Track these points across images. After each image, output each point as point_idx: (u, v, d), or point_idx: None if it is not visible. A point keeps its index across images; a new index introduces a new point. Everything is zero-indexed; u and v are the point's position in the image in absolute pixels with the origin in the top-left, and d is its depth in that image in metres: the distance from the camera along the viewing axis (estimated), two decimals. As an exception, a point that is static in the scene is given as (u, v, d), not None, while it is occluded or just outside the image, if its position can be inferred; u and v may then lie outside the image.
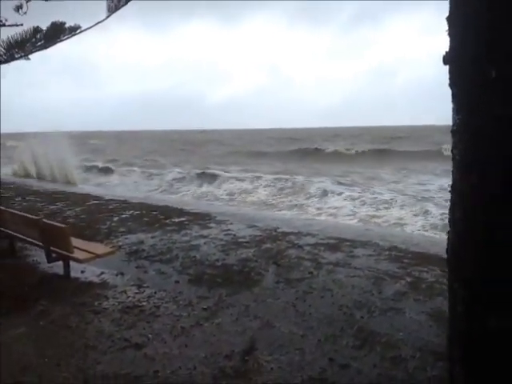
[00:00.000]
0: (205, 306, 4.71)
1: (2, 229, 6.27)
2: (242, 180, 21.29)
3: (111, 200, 12.19)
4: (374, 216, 12.76)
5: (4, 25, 10.59)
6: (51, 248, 5.37)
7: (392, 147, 40.47)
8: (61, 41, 10.73)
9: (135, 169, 28.07)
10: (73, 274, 5.69)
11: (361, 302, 4.77)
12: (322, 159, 34.26)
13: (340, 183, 19.11)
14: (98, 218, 9.64)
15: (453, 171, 2.15)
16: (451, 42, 2.07)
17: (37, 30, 10.16)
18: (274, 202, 16.45)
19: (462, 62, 2.01)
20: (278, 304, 4.76)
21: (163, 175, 24.42)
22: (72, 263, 5.54)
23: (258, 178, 21.35)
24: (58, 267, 5.69)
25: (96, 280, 5.59)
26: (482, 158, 1.94)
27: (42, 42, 10.45)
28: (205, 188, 20.43)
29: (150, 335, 4.05)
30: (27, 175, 22.50)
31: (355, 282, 5.42)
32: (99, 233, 8.28)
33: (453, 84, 2.09)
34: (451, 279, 2.26)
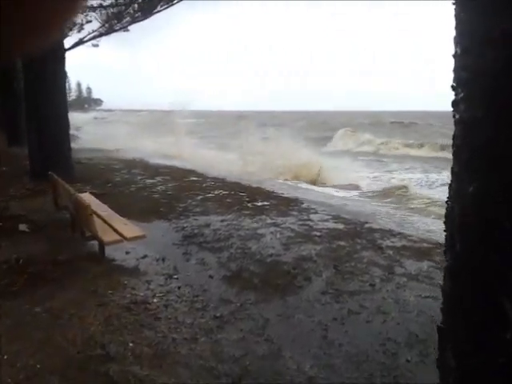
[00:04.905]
0: (218, 314, 3.89)
1: (61, 200, 6.18)
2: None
3: (209, 178, 11.89)
4: None
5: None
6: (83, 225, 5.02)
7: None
8: (158, 11, 10.61)
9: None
10: (115, 255, 5.31)
11: (418, 336, 3.50)
12: None
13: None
14: (183, 195, 9.33)
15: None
16: None
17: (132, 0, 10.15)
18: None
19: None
20: (307, 324, 3.73)
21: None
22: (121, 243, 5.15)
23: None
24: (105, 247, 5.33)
25: (130, 264, 5.12)
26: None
27: (139, 13, 10.45)
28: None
29: (131, 344, 3.37)
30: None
31: (426, 305, 4.09)
32: (174, 211, 7.91)
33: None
34: None
